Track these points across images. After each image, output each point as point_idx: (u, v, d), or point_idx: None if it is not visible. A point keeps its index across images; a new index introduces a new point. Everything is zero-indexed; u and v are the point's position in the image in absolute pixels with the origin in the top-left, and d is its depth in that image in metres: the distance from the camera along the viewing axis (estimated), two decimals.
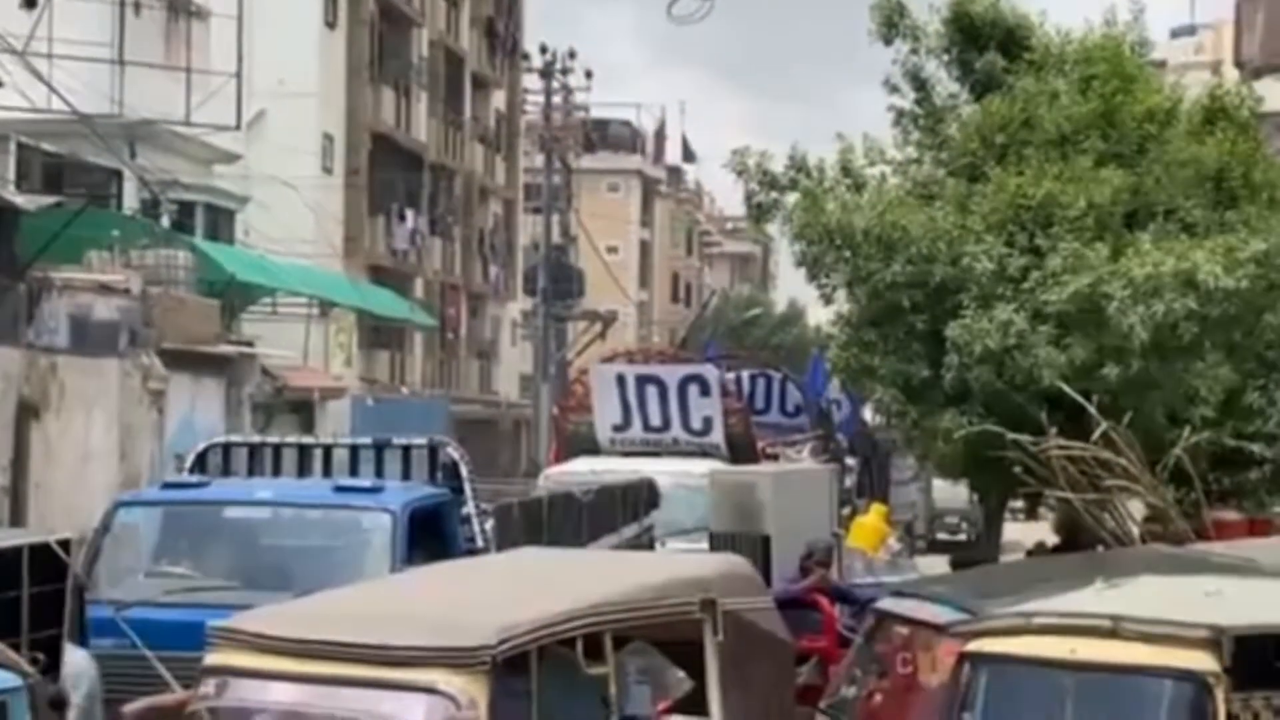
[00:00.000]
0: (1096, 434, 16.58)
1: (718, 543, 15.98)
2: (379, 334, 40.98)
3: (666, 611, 7.56)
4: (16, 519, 19.98)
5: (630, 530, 16.90)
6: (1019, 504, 25.18)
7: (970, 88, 21.08)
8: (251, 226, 34.17)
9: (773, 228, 22.56)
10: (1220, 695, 7.29)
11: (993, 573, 14.76)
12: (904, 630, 9.62)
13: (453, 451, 14.07)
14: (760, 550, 15.16)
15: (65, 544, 13.94)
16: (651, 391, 21.81)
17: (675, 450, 21.53)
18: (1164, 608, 7.95)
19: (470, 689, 6.55)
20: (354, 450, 14.19)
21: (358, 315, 36.49)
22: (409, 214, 43.67)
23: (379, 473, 13.76)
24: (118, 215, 27.73)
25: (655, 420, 21.82)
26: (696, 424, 21.71)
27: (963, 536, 39.77)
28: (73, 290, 22.21)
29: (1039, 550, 22.16)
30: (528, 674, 6.95)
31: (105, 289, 22.88)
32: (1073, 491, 16.88)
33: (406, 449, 14.03)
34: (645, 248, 75.73)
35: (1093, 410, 16.75)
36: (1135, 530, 17.09)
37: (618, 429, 22.03)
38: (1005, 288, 18.49)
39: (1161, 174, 19.03)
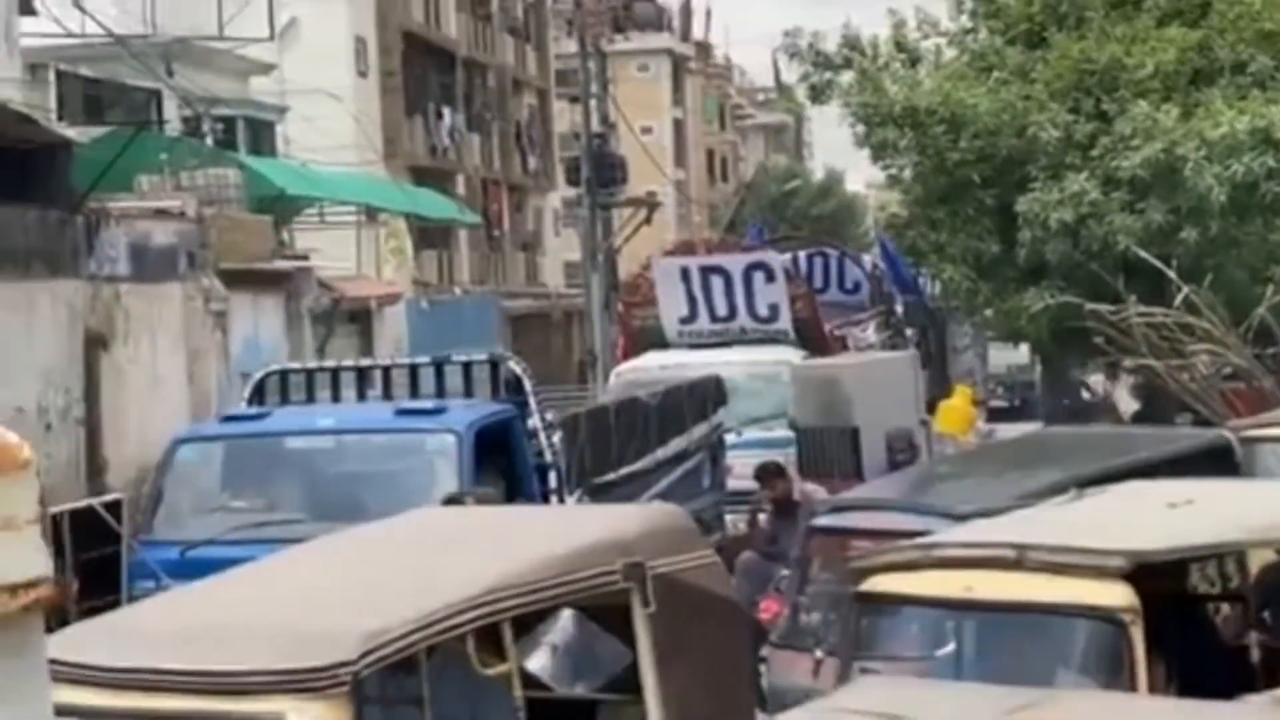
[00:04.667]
0: (1178, 299, 16.47)
1: (805, 438, 15.91)
2: (425, 235, 40.84)
3: (581, 586, 6.36)
4: (93, 448, 20.06)
5: (700, 430, 16.54)
6: (1091, 373, 25.08)
7: None
8: (291, 137, 33.97)
9: (825, 108, 22.37)
10: (1137, 635, 6.33)
11: (949, 467, 13.25)
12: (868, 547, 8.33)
13: (514, 366, 13.67)
14: (850, 442, 15.12)
15: (114, 506, 12.86)
16: (716, 282, 21.56)
17: (743, 339, 21.36)
18: (1097, 529, 6.93)
19: (329, 718, 5.31)
20: (413, 370, 13.79)
21: (405, 219, 36.34)
22: (446, 112, 43.33)
23: (440, 392, 13.39)
24: (164, 138, 27.53)
25: (721, 310, 21.60)
26: (763, 311, 21.47)
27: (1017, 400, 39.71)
28: (129, 218, 22.05)
29: (1108, 411, 22.13)
30: (407, 685, 5.88)
31: (161, 214, 22.74)
32: (1155, 358, 16.79)
33: (467, 366, 13.61)
34: (679, 126, 75.12)
35: (1172, 275, 16.63)
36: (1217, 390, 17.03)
37: (684, 321, 21.81)
38: (1074, 156, 18.35)
39: (1226, 28, 18.74)
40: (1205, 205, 17.32)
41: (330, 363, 14.72)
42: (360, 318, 30.98)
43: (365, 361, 14.51)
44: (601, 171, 42.29)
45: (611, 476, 14.06)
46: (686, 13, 76.14)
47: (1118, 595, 6.37)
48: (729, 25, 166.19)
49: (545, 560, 6.38)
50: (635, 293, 24.00)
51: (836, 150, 74.34)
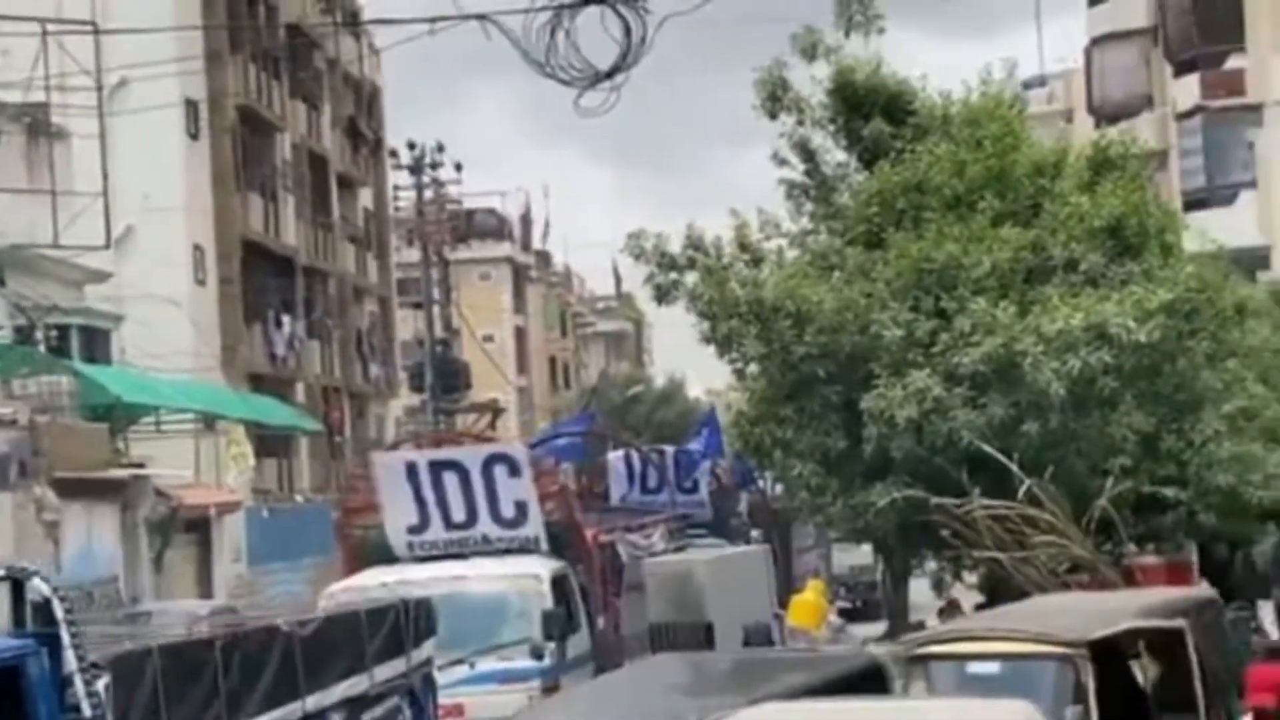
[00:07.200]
0: (1021, 491, 16.67)
1: (657, 634, 15.67)
2: (264, 443, 40.28)
3: None
4: None
5: (389, 668, 13.47)
6: (933, 565, 25.22)
7: (858, 156, 21.31)
8: (127, 344, 33.48)
9: (666, 312, 22.52)
10: None
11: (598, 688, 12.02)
12: None
13: (42, 585, 10.40)
14: (704, 639, 14.92)
15: None
16: (450, 479, 18.22)
17: (485, 549, 18.20)
18: None
19: None
20: None
21: (245, 426, 35.86)
22: (285, 319, 43.08)
23: None
24: None
25: (458, 515, 18.26)
26: (508, 512, 18.22)
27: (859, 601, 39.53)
28: None
29: (950, 608, 22.20)
30: None
31: None
32: (1000, 550, 16.94)
33: None
34: (520, 334, 75.50)
35: (1014, 468, 16.85)
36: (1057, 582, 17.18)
37: (414, 530, 18.39)
38: (915, 353, 18.62)
39: (1058, 228, 19.29)
40: (1045, 400, 17.66)
41: None
42: (199, 526, 30.35)
43: None
44: (445, 378, 42.19)
45: None
46: (526, 222, 76.95)
47: None
48: (568, 235, 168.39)
49: None
50: (354, 497, 20.31)
51: (677, 356, 75.24)
